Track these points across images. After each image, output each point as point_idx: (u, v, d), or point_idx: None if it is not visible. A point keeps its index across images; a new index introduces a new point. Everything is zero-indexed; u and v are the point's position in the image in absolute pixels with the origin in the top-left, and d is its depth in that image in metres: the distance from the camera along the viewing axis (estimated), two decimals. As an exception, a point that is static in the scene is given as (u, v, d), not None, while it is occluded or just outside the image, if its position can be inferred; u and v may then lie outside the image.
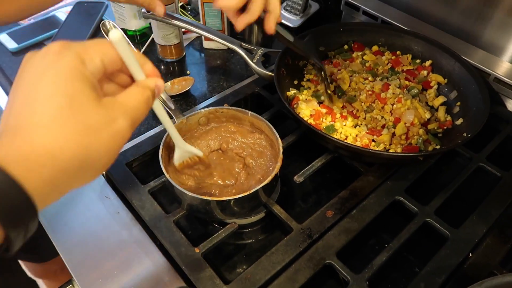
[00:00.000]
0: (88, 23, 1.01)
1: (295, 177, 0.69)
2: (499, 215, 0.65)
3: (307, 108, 0.77)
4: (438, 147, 0.73)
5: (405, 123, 0.75)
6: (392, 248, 0.60)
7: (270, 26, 0.66)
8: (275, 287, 0.56)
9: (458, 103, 0.80)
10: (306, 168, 0.70)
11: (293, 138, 0.76)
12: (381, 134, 0.74)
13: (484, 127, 0.71)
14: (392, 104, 0.78)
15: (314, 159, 0.72)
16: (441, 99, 0.82)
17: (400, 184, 0.69)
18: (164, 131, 0.67)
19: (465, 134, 0.71)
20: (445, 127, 0.77)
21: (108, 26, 0.74)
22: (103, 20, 0.76)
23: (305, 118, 0.76)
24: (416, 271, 0.62)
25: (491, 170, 0.72)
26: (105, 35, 0.75)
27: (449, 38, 0.92)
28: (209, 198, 0.57)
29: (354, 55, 0.91)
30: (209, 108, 0.70)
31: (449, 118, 0.79)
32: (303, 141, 0.78)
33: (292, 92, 0.81)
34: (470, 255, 0.60)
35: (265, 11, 0.66)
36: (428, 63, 0.87)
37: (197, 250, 0.59)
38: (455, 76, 0.83)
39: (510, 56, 0.86)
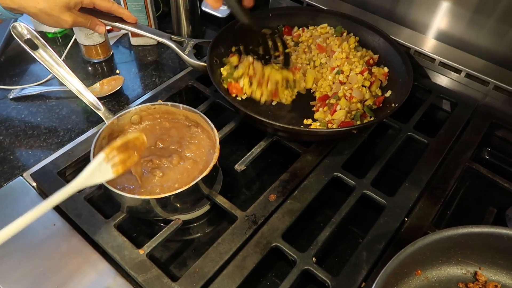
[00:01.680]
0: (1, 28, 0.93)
1: (236, 166, 0.69)
2: (429, 179, 0.69)
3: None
4: (372, 119, 0.76)
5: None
6: (334, 222, 0.62)
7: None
8: (225, 277, 0.56)
9: (386, 76, 0.84)
10: (246, 156, 0.71)
11: (231, 127, 0.76)
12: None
13: (410, 98, 0.74)
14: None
15: (254, 146, 0.73)
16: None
17: (337, 161, 0.71)
18: (94, 134, 0.64)
19: (393, 105, 0.75)
20: (379, 102, 0.80)
21: (20, 29, 0.69)
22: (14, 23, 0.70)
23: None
24: (359, 241, 0.64)
25: (419, 138, 0.76)
26: (16, 39, 0.70)
27: (371, 16, 0.96)
28: (147, 197, 0.56)
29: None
30: (140, 106, 0.68)
31: (379, 92, 0.82)
32: (242, 129, 0.78)
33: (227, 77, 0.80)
34: (406, 219, 0.64)
35: None
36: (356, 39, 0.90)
37: (141, 252, 0.58)
38: (381, 51, 0.86)
39: (432, 32, 0.90)
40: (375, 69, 0.83)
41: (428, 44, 0.89)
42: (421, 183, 0.68)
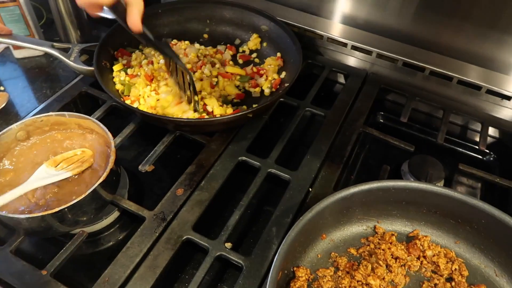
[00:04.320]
0: None
1: (140, 167, 0.68)
2: (328, 148, 0.73)
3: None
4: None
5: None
6: (243, 205, 0.64)
7: (134, 21, 0.50)
8: (137, 280, 0.55)
9: (281, 59, 0.87)
10: (150, 155, 0.69)
11: (131, 128, 0.74)
12: None
13: (309, 76, 0.78)
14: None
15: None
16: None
17: (242, 145, 0.72)
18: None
19: (286, 85, 0.78)
20: (276, 85, 0.83)
21: None
22: None
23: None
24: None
25: (316, 112, 0.80)
26: None
27: (262, 2, 0.98)
28: (39, 214, 0.53)
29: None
30: (24, 120, 0.64)
31: (276, 76, 0.84)
32: (146, 130, 0.76)
33: (119, 85, 0.78)
34: (310, 190, 0.67)
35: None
36: None
37: (44, 272, 0.54)
38: (274, 35, 0.89)
39: (319, 11, 0.95)
40: (268, 60, 0.86)
41: (316, 22, 0.94)
42: (321, 153, 0.72)
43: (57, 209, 0.53)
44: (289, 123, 0.79)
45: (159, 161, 0.71)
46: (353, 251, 0.59)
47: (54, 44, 0.77)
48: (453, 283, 0.56)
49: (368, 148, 0.83)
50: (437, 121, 0.85)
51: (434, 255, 0.58)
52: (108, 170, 0.58)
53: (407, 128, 0.87)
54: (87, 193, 0.55)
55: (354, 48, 0.90)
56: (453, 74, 0.83)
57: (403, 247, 0.59)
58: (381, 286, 0.54)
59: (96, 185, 0.56)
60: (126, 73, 0.78)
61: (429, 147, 0.79)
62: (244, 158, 0.70)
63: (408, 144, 0.76)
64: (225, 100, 0.78)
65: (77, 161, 0.62)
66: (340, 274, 0.55)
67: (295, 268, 0.55)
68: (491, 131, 0.84)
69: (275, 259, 0.48)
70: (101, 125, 0.63)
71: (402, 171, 0.77)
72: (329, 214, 0.57)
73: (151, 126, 0.75)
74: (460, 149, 0.84)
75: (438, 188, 0.57)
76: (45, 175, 0.59)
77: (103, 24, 1.00)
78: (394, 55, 0.86)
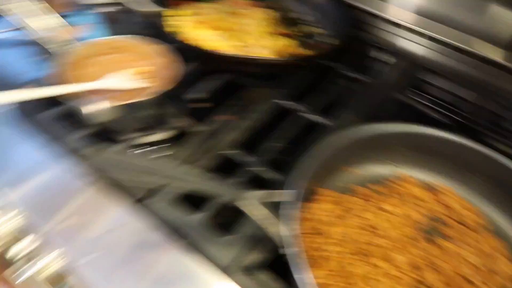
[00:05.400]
0: None
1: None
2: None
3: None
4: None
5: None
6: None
7: None
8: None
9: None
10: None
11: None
12: None
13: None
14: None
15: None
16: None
17: (282, 91, 0.81)
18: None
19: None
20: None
21: None
22: None
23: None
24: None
25: (352, 75, 0.88)
26: None
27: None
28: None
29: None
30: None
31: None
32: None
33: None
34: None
35: None
36: None
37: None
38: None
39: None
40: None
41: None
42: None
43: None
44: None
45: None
46: (371, 186, 0.65)
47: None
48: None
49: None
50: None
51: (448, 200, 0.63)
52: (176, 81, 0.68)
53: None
54: (154, 95, 0.65)
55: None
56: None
57: (420, 189, 0.64)
58: (395, 213, 0.60)
59: (163, 91, 0.66)
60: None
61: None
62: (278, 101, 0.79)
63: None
64: None
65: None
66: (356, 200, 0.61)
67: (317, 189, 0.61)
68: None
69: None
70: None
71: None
72: (356, 146, 0.63)
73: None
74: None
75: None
76: (127, 79, 0.68)
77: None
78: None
